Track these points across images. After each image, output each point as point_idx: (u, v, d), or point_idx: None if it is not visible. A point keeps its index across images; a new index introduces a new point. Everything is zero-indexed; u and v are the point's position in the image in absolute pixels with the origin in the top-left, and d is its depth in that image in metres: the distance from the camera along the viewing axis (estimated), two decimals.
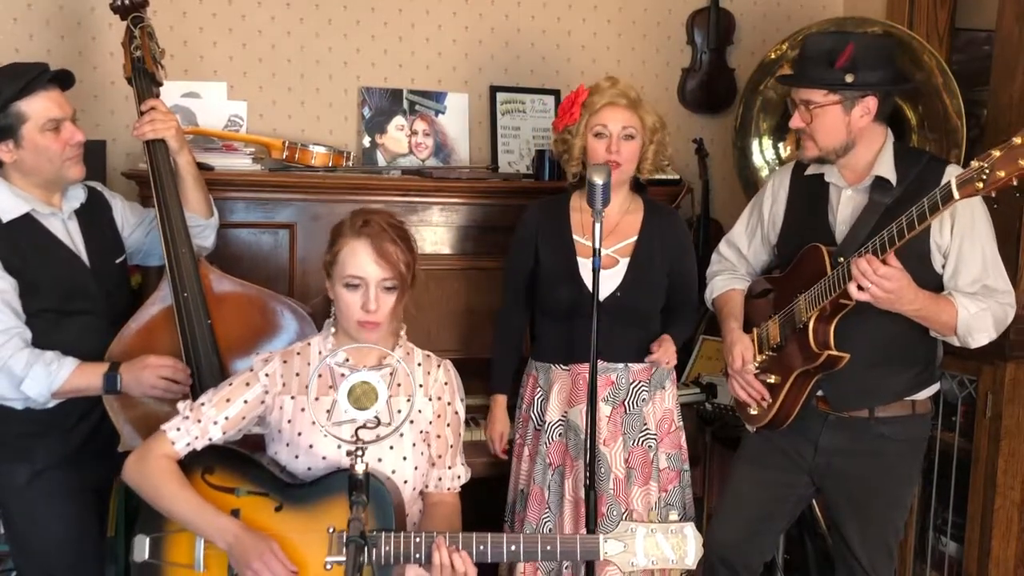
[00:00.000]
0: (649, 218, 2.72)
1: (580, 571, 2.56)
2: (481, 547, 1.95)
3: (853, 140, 2.45)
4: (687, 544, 1.91)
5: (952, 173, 2.40)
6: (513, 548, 1.96)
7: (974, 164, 2.05)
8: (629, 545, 1.91)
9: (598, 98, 2.63)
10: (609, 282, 2.63)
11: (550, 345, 2.73)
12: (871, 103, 2.42)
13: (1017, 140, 2.00)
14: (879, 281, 2.22)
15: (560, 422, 2.67)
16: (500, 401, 2.82)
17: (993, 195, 2.08)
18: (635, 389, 2.67)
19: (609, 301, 2.61)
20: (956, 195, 2.08)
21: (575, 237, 2.70)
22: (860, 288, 2.24)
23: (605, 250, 2.57)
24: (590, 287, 2.56)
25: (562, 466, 2.65)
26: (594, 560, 2.40)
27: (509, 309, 2.82)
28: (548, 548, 1.96)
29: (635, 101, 2.65)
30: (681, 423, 2.78)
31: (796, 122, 2.48)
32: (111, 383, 2.36)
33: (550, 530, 2.62)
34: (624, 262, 2.67)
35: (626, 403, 2.66)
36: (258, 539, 1.99)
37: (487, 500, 2.83)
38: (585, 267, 2.63)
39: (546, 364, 2.73)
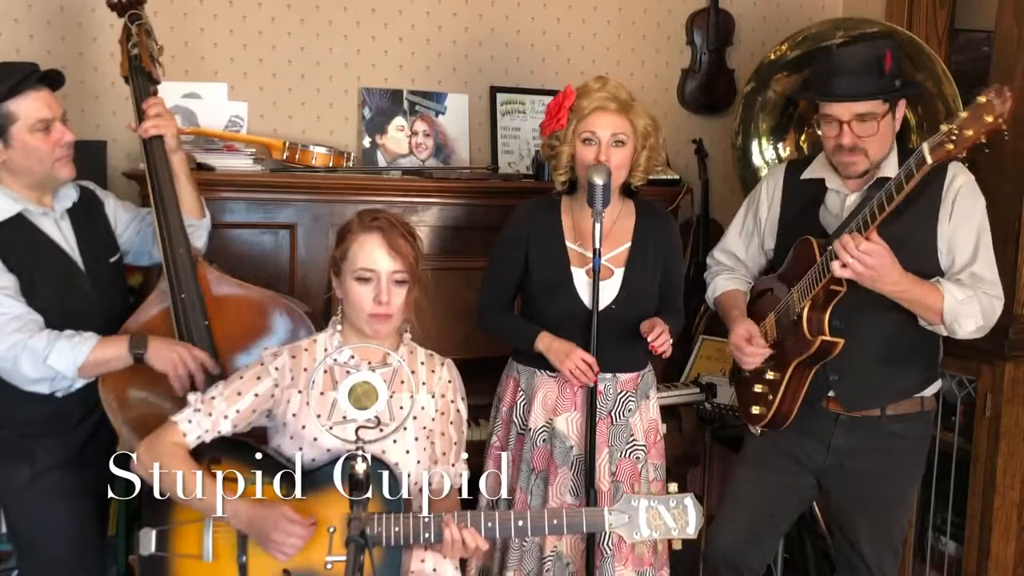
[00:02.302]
0: (641, 222, 2.63)
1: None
2: (489, 524, 2.00)
3: (892, 145, 2.44)
4: (688, 514, 2.00)
5: (954, 171, 2.41)
6: (520, 524, 2.00)
7: (943, 128, 2.06)
8: (632, 517, 1.98)
9: (587, 103, 2.48)
10: (604, 294, 2.52)
11: (536, 350, 2.59)
12: (903, 105, 2.43)
13: (982, 99, 2.00)
14: (860, 256, 2.20)
15: (544, 428, 2.59)
16: (545, 334, 2.53)
17: (985, 139, 2.04)
18: (622, 399, 2.60)
19: (604, 314, 2.50)
20: (929, 159, 2.08)
21: (568, 244, 2.59)
22: (843, 265, 2.23)
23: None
24: (584, 300, 2.53)
25: (545, 471, 2.60)
26: (594, 557, 2.47)
27: (491, 311, 2.68)
28: (555, 522, 2.00)
29: (625, 104, 2.50)
30: (664, 432, 2.73)
31: (850, 138, 2.35)
32: (139, 345, 2.33)
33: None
34: (619, 273, 2.58)
35: (612, 414, 2.59)
36: (268, 508, 2.00)
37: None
38: (579, 277, 2.56)
39: (530, 368, 2.61)
